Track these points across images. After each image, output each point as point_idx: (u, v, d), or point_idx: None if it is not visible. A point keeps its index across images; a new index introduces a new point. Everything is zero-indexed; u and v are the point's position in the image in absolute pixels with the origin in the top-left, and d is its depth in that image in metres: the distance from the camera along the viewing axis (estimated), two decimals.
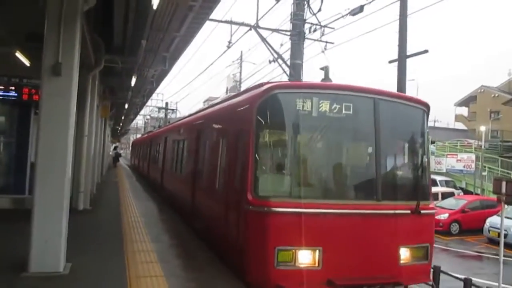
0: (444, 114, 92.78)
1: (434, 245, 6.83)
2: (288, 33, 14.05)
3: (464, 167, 28.57)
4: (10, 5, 7.69)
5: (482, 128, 32.18)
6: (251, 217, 5.79)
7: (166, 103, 46.60)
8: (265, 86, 6.25)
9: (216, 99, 19.82)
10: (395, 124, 6.53)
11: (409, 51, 12.76)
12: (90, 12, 7.44)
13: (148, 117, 58.43)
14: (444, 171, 29.33)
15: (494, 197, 8.31)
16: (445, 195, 23.16)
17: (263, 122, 5.92)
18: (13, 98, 10.83)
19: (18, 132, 11.25)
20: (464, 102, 52.93)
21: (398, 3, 12.47)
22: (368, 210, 5.89)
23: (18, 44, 8.78)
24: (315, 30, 13.82)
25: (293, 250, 5.55)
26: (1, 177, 11.30)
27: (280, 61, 14.30)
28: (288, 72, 13.65)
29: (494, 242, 15.97)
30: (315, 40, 14.24)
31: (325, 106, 5.98)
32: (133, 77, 13.96)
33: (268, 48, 14.32)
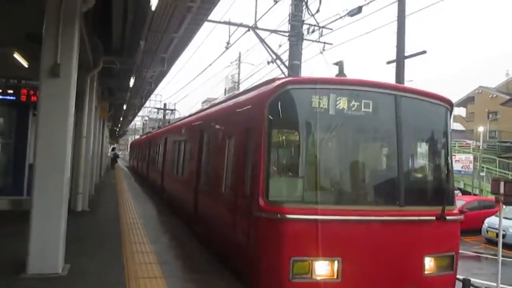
0: None
1: None
2: (287, 34, 14.06)
3: (462, 167, 28.61)
4: (8, 6, 7.68)
5: (480, 129, 32.25)
6: (263, 225, 5.31)
7: (165, 104, 46.61)
8: (277, 82, 5.80)
9: (215, 99, 19.76)
10: (417, 123, 6.09)
11: (407, 52, 12.77)
12: (88, 13, 7.44)
13: (147, 118, 58.42)
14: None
15: (492, 197, 8.29)
16: None
17: (276, 121, 5.49)
18: (11, 99, 10.82)
19: (17, 133, 11.25)
20: (462, 103, 53.00)
21: (396, 4, 12.49)
22: (390, 217, 5.41)
23: (16, 45, 8.77)
24: (313, 31, 13.84)
25: (310, 261, 5.08)
26: None
27: (278, 62, 14.31)
28: (286, 73, 13.66)
29: (492, 242, 16.02)
30: (313, 41, 14.27)
31: (343, 103, 5.52)
32: (132, 78, 13.96)
33: (266, 49, 14.34)
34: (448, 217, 5.62)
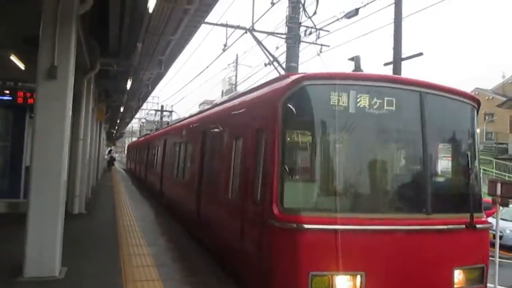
0: None
1: None
2: (284, 36, 14.10)
3: None
4: (5, 8, 7.66)
5: (477, 130, 32.27)
6: (277, 235, 4.79)
7: (162, 106, 46.51)
8: (291, 77, 5.32)
9: (213, 101, 19.72)
10: (444, 123, 5.62)
11: (404, 54, 12.83)
12: (85, 15, 7.43)
13: (144, 120, 58.33)
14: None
15: (489, 199, 8.31)
16: None
17: (291, 121, 5.05)
18: (8, 101, 10.79)
19: (13, 135, 11.21)
20: None
21: (393, 6, 12.54)
22: (417, 226, 4.94)
23: (13, 48, 8.76)
24: (310, 33, 13.91)
25: (330, 276, 4.59)
26: None
27: (275, 64, 14.36)
28: None
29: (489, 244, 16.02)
30: (310, 43, 14.33)
31: (363, 100, 5.02)
32: (129, 80, 13.95)
33: (263, 51, 14.40)
34: (477, 225, 5.18)
